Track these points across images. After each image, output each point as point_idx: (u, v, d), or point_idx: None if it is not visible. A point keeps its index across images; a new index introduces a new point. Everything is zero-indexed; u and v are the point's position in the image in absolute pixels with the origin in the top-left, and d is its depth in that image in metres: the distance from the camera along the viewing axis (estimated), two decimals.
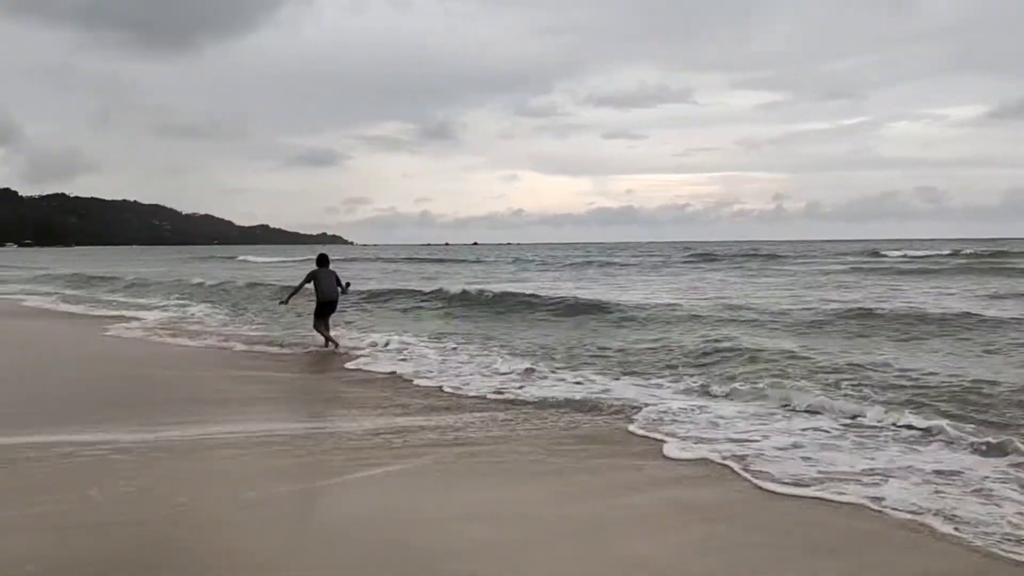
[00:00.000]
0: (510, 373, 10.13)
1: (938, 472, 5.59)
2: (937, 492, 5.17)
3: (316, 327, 13.34)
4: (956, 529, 4.52)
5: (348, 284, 13.90)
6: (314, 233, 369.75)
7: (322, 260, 13.72)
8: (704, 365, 10.44)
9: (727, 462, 5.94)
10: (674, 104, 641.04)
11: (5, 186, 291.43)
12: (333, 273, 13.60)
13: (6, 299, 25.50)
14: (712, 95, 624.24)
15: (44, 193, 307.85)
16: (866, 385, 8.71)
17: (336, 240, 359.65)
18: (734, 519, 4.77)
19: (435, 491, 5.33)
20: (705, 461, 6.02)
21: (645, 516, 4.87)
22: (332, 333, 13.34)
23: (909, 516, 4.75)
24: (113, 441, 6.45)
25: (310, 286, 13.48)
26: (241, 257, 73.76)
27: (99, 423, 7.14)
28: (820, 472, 5.66)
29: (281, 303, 15.03)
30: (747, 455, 6.12)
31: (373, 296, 22.13)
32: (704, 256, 54.86)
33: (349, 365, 11.26)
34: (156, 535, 4.40)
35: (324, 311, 13.36)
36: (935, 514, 4.75)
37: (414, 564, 4.07)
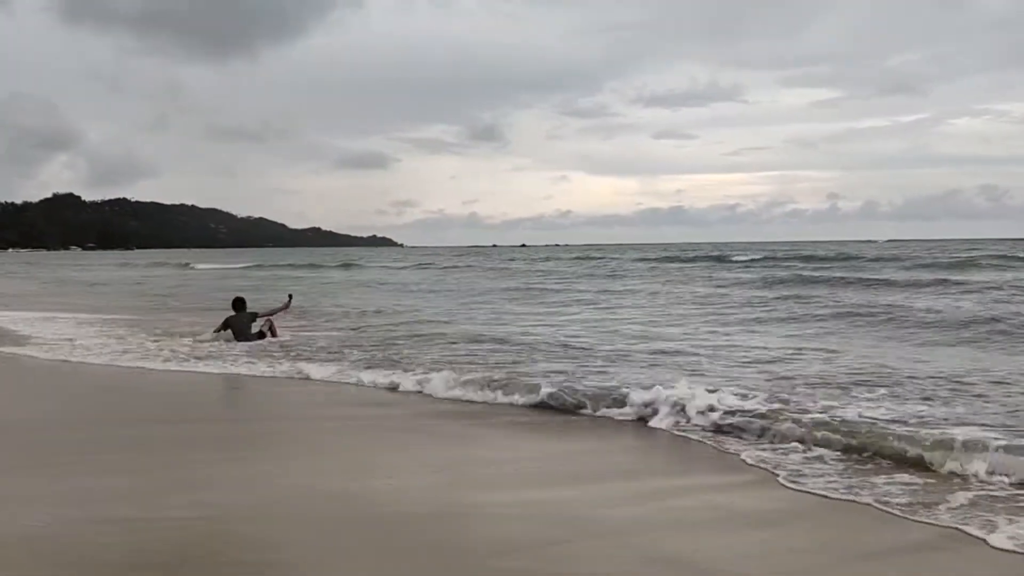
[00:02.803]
0: None
1: None
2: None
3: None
4: None
5: (291, 296, 14.77)
6: (364, 235, 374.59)
7: (237, 304, 14.07)
8: None
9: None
10: (724, 103, 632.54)
11: (68, 191, 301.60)
12: (248, 315, 13.91)
13: None
14: (763, 93, 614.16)
15: (106, 198, 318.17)
16: None
17: (386, 242, 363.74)
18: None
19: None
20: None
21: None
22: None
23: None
24: None
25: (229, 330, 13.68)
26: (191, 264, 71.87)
27: None
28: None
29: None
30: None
31: None
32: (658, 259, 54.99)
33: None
34: None
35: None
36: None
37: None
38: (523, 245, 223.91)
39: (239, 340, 13.44)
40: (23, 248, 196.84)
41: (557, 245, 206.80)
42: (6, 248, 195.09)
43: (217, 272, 54.61)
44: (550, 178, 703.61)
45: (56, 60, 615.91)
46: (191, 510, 4.88)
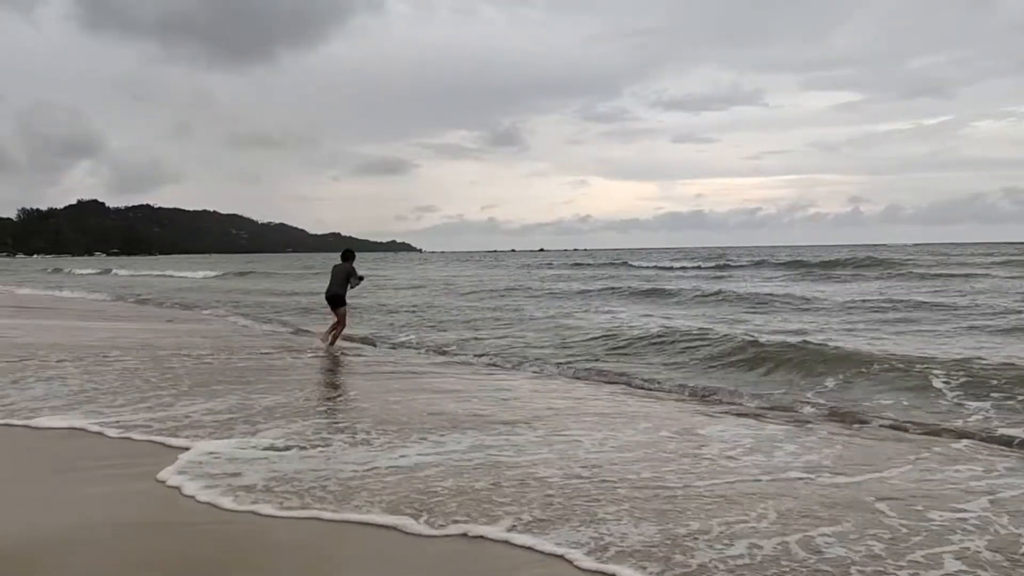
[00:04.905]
0: None
1: None
2: None
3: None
4: None
5: (361, 277, 14.31)
6: (384, 240, 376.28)
7: (345, 255, 14.05)
8: None
9: None
10: (745, 106, 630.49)
11: (92, 197, 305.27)
12: (344, 268, 13.82)
13: None
14: (784, 96, 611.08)
15: (129, 204, 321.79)
16: None
17: (405, 247, 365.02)
18: None
19: None
20: None
21: None
22: (335, 338, 13.75)
23: None
24: None
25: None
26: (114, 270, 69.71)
27: None
28: None
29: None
30: None
31: None
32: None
33: None
34: None
35: (329, 303, 13.92)
36: None
37: None
38: (541, 250, 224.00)
39: (328, 297, 13.66)
40: (48, 254, 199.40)
41: (576, 250, 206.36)
42: (31, 254, 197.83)
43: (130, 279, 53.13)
44: (569, 182, 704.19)
45: (80, 68, 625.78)
46: (209, 514, 4.85)
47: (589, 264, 60.20)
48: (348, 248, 14.30)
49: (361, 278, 14.23)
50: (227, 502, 5.01)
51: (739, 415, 8.23)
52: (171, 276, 54.53)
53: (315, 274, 51.00)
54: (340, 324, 13.77)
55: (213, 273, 58.15)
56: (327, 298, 13.91)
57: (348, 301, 14.06)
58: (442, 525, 4.64)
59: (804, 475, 5.76)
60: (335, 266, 13.95)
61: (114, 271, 68.23)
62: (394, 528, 4.61)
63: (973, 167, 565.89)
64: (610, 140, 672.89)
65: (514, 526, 4.63)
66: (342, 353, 13.02)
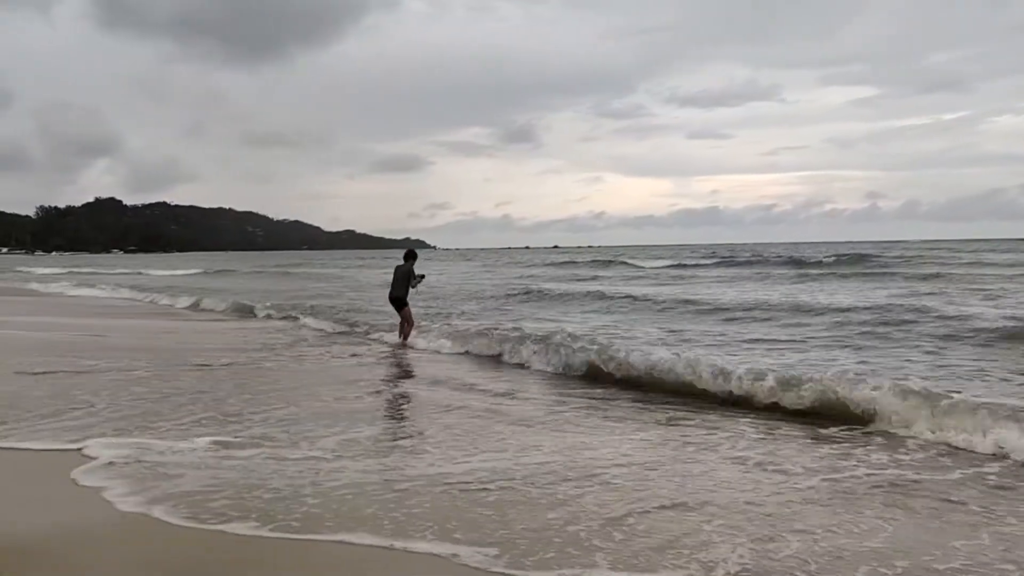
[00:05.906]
0: None
1: None
2: None
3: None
4: None
5: (423, 277, 14.25)
6: (398, 238, 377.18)
7: (407, 256, 14.25)
8: None
9: None
10: (760, 102, 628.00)
11: (110, 195, 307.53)
12: (405, 269, 13.90)
13: None
14: (801, 92, 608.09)
15: (146, 202, 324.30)
16: None
17: (419, 244, 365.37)
18: None
19: None
20: None
21: None
22: (408, 335, 13.75)
23: None
24: None
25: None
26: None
27: None
28: None
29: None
30: None
31: None
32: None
33: None
34: None
35: (392, 305, 13.98)
36: None
37: None
38: (555, 247, 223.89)
39: (392, 299, 13.74)
40: (66, 251, 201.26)
41: (590, 247, 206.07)
42: (50, 251, 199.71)
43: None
44: (584, 179, 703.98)
45: (97, 67, 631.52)
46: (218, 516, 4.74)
47: (578, 263, 58.56)
48: (411, 249, 14.40)
49: (422, 277, 14.19)
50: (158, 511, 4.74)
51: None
52: (149, 275, 52.82)
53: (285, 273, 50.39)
54: (408, 323, 13.80)
55: (194, 271, 56.73)
56: (391, 300, 13.97)
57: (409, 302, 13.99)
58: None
59: None
60: (397, 267, 14.05)
61: (72, 270, 62.56)
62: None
63: (992, 163, 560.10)
64: (624, 137, 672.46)
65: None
66: (402, 353, 12.81)
